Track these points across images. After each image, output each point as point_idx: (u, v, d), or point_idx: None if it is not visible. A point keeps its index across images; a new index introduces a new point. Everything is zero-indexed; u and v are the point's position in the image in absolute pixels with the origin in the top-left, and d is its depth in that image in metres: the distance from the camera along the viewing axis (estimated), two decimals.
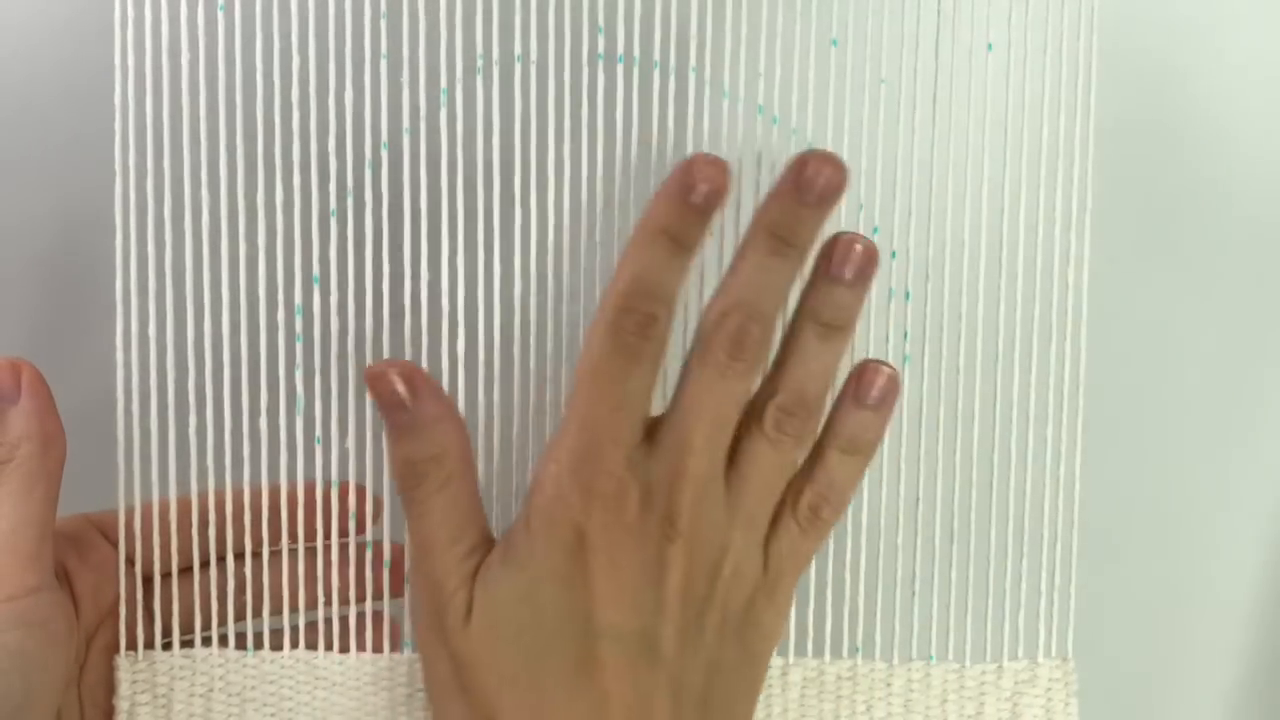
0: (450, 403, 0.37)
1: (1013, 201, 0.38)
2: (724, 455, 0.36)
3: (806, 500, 0.37)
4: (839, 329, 0.36)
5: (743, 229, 0.36)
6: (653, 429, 0.36)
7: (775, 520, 0.37)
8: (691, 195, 0.34)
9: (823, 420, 0.37)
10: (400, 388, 0.36)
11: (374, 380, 0.36)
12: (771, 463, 0.36)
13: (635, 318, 0.35)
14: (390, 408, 0.36)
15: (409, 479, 0.36)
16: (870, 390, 0.37)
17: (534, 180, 0.37)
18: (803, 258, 0.36)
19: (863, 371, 0.37)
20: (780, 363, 0.37)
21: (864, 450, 0.37)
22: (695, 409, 0.35)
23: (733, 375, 0.35)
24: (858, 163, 0.38)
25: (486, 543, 0.37)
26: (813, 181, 0.35)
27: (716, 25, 0.38)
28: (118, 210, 0.37)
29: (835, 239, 0.36)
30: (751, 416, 0.36)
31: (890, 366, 0.37)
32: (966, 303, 0.38)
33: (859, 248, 0.36)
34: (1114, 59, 0.38)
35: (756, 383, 0.37)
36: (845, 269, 0.36)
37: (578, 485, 0.35)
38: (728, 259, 0.36)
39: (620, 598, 0.35)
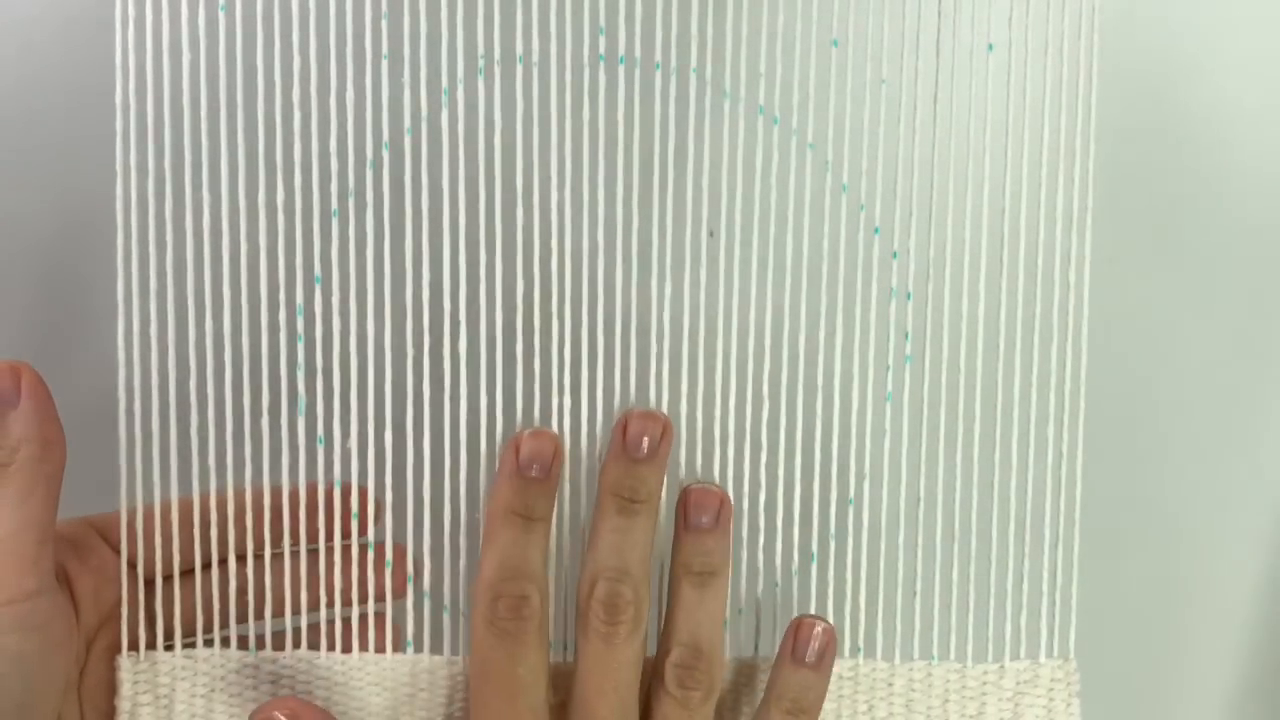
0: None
1: (1013, 201, 0.38)
2: None
3: None
4: (712, 574, 0.37)
5: (739, 250, 0.36)
6: (560, 713, 0.37)
7: None
8: (530, 471, 0.36)
9: (723, 662, 0.37)
10: None
11: None
12: None
13: (508, 602, 0.35)
14: None
15: None
16: (806, 648, 0.37)
17: (535, 180, 0.37)
18: (653, 509, 0.37)
19: (798, 628, 0.37)
20: (669, 619, 0.37)
21: (809, 711, 0.37)
22: (593, 683, 0.36)
23: (617, 640, 0.36)
24: (858, 163, 0.38)
25: None
26: (638, 440, 0.36)
27: (716, 25, 0.38)
28: (118, 210, 0.37)
29: (686, 491, 0.37)
30: (655, 679, 0.37)
31: (825, 621, 0.38)
32: (967, 303, 0.38)
33: (713, 495, 0.37)
34: (1114, 59, 0.38)
35: (647, 638, 0.37)
36: (703, 517, 0.37)
37: None
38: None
39: None
